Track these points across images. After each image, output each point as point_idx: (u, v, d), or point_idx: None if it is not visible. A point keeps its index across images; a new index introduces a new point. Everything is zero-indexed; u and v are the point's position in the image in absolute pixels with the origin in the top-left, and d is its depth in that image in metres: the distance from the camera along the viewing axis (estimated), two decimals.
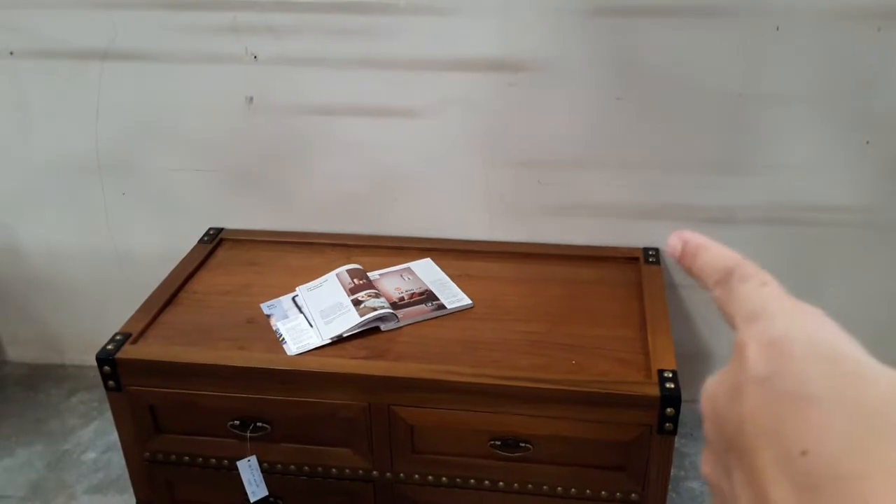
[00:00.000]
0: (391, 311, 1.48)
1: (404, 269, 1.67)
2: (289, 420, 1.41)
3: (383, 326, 1.47)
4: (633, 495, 1.38)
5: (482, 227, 1.78)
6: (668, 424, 1.28)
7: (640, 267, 1.65)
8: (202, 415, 1.43)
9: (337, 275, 1.61)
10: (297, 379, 1.36)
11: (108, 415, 1.86)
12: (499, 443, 1.36)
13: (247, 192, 1.83)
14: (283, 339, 1.44)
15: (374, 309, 1.47)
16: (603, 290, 1.59)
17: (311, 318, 1.49)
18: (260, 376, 1.37)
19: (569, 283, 1.61)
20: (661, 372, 1.31)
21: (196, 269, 1.68)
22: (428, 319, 1.50)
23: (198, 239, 1.81)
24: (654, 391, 1.27)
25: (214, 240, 1.80)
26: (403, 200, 1.78)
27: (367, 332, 1.46)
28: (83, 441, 1.85)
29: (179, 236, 1.85)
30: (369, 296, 1.52)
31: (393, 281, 1.62)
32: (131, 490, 1.65)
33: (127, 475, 1.67)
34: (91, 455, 1.80)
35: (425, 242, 1.77)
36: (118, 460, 1.78)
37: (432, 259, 1.70)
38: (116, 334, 1.44)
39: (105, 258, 1.94)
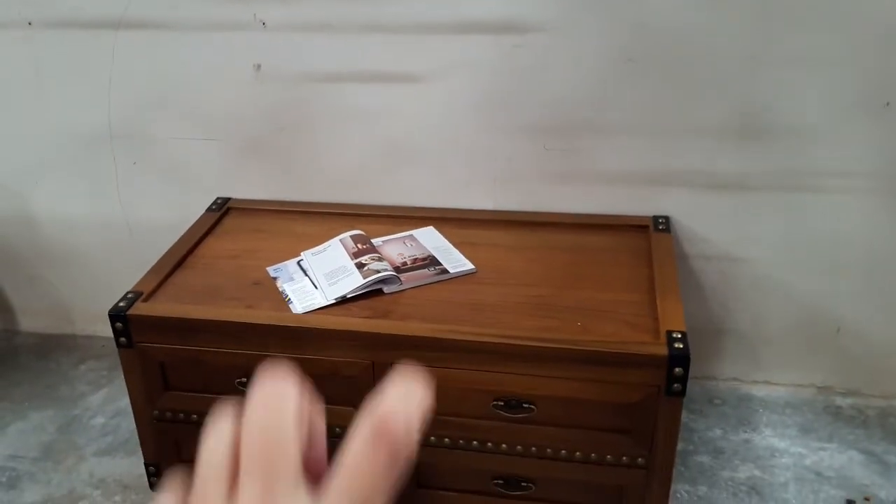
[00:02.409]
0: (394, 273, 1.58)
1: (407, 236, 1.77)
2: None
3: (386, 289, 1.57)
4: (639, 460, 1.46)
5: (487, 195, 1.87)
6: (676, 385, 1.36)
7: (649, 235, 1.73)
8: (210, 372, 1.54)
9: (341, 240, 1.72)
10: (302, 336, 1.47)
11: (117, 382, 2.00)
12: (502, 403, 1.46)
13: (254, 162, 1.94)
14: (289, 299, 1.55)
15: (378, 271, 1.57)
16: (610, 256, 1.67)
17: (316, 280, 1.60)
18: (266, 333, 1.48)
19: (575, 251, 1.70)
20: (669, 333, 1.39)
21: (204, 236, 1.80)
22: (431, 283, 1.60)
23: (205, 208, 1.92)
24: (662, 351, 1.35)
25: (222, 209, 1.92)
26: (408, 169, 1.88)
27: (371, 294, 1.56)
28: (92, 407, 1.97)
29: (188, 206, 1.96)
30: (372, 259, 1.62)
31: (396, 247, 1.72)
32: (139, 452, 1.77)
33: (134, 439, 1.80)
34: (100, 420, 1.93)
35: (429, 212, 1.87)
36: (126, 425, 1.90)
37: (435, 227, 1.81)
38: (128, 293, 1.56)
39: (116, 228, 2.07)
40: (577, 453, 1.48)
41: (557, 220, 1.81)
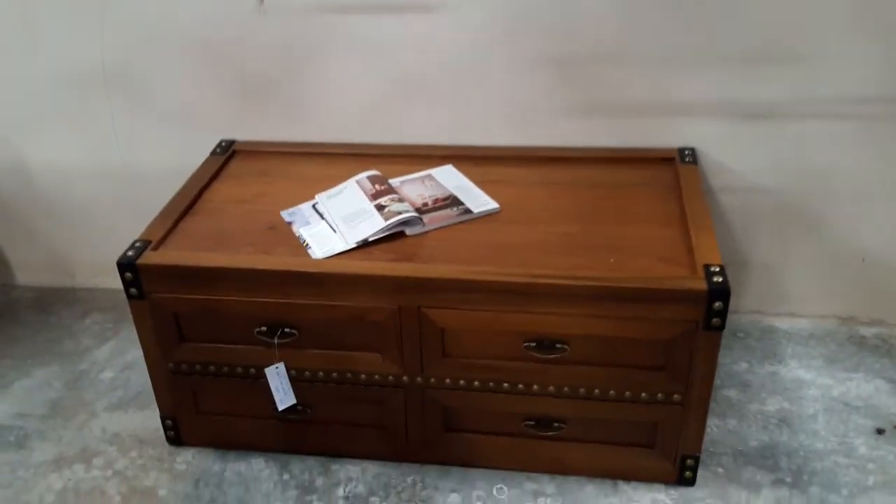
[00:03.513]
0: (416, 215, 1.54)
1: (425, 175, 1.72)
2: (317, 325, 1.48)
3: (409, 231, 1.53)
4: (675, 396, 1.45)
5: (506, 131, 1.82)
6: (715, 320, 1.34)
7: (675, 167, 1.70)
8: (228, 321, 1.51)
9: (357, 181, 1.67)
10: (325, 282, 1.43)
11: (123, 335, 1.96)
12: (533, 344, 1.43)
13: (258, 102, 1.87)
14: (307, 244, 1.51)
15: (399, 213, 1.53)
16: (638, 191, 1.64)
17: (334, 223, 1.55)
18: (286, 280, 1.44)
19: (601, 186, 1.66)
20: (707, 267, 1.36)
21: (210, 181, 1.74)
22: (454, 224, 1.56)
23: (209, 152, 1.86)
24: (701, 285, 1.33)
25: (227, 152, 1.85)
26: (422, 105, 1.82)
27: (393, 237, 1.52)
28: (99, 361, 1.94)
29: (190, 150, 1.89)
30: (392, 200, 1.58)
31: (415, 187, 1.67)
32: (152, 406, 1.75)
33: (146, 392, 1.77)
34: (108, 374, 1.89)
35: (446, 150, 1.82)
36: (136, 378, 1.87)
37: (454, 166, 1.76)
38: (136, 241, 1.50)
39: (114, 176, 2.00)
40: (612, 392, 1.47)
41: (581, 155, 1.77)
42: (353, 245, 1.49)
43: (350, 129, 1.87)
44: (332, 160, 1.81)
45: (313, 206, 1.63)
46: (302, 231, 1.54)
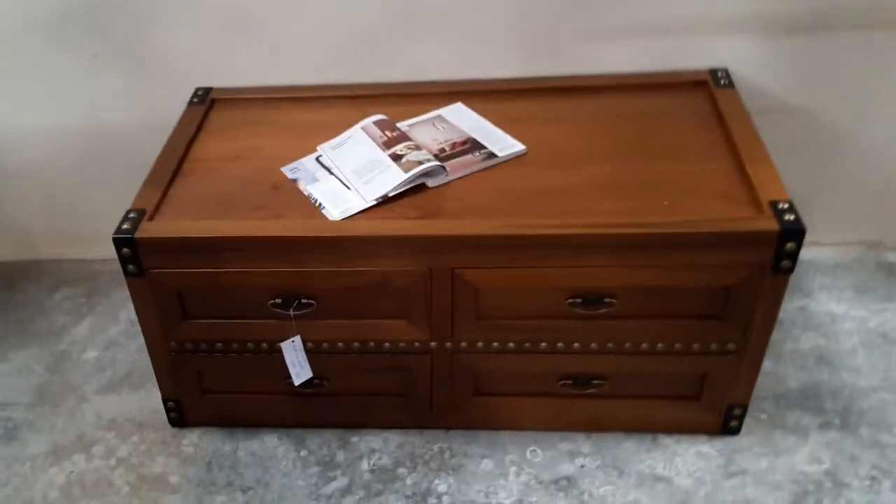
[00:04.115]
0: (439, 163, 1.40)
1: (435, 117, 1.58)
2: (337, 293, 1.36)
3: (430, 182, 1.40)
4: (729, 345, 1.38)
5: (517, 60, 1.67)
6: (785, 262, 1.25)
7: (711, 91, 1.58)
8: (237, 295, 1.37)
9: (363, 128, 1.52)
10: (346, 246, 1.30)
11: (99, 310, 1.80)
12: (579, 300, 1.33)
13: (235, 41, 1.68)
14: (320, 204, 1.36)
15: (420, 162, 1.39)
16: (674, 120, 1.52)
17: (346, 178, 1.41)
18: (302, 247, 1.30)
19: (632, 117, 1.54)
20: (774, 204, 1.27)
21: (194, 136, 1.57)
22: (479, 171, 1.44)
23: (185, 103, 1.67)
24: (772, 225, 1.23)
25: (205, 101, 1.67)
26: (421, 35, 1.65)
27: (413, 189, 1.38)
28: (79, 339, 1.78)
29: (162, 102, 1.71)
30: (409, 148, 1.44)
31: (427, 131, 1.53)
32: (146, 386, 1.62)
33: (137, 371, 1.64)
34: (92, 353, 1.74)
35: (452, 86, 1.67)
36: (123, 357, 1.73)
37: (463, 103, 1.62)
38: (129, 211, 1.34)
39: (75, 134, 1.80)
40: (660, 345, 1.40)
41: (604, 84, 1.64)
42: (373, 202, 1.35)
43: (340, 68, 1.70)
44: (324, 104, 1.65)
45: (317, 158, 1.48)
46: (311, 189, 1.40)
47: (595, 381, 1.45)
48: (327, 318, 1.39)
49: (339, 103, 1.64)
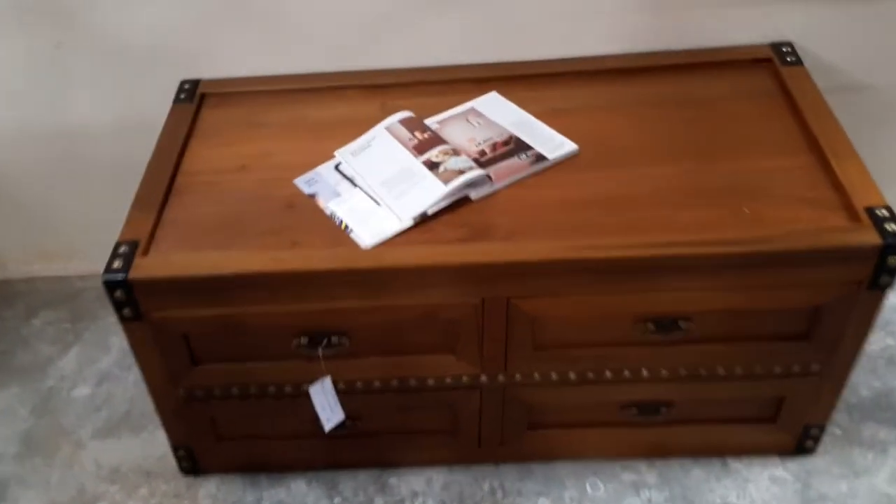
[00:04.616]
0: (483, 172, 1.20)
1: (468, 110, 1.37)
2: (373, 329, 1.17)
3: (473, 194, 1.20)
4: (813, 366, 1.22)
5: (555, 39, 1.46)
6: (885, 278, 1.09)
7: (776, 70, 1.39)
8: (255, 336, 1.18)
9: (387, 128, 1.31)
10: (384, 279, 1.10)
11: (87, 337, 1.60)
12: (651, 325, 1.16)
13: (223, 23, 1.44)
14: (347, 226, 1.16)
15: (461, 171, 1.19)
16: (738, 105, 1.33)
17: (373, 192, 1.21)
18: (330, 281, 1.10)
19: (690, 103, 1.35)
20: (871, 211, 1.09)
21: (186, 141, 1.35)
22: (528, 177, 1.24)
23: (171, 98, 1.44)
24: (873, 238, 1.06)
25: (194, 96, 1.44)
26: (443, 11, 1.43)
27: (453, 203, 1.19)
28: (67, 374, 1.57)
29: (144, 97, 1.50)
30: (445, 154, 1.23)
31: (461, 129, 1.32)
32: (149, 427, 1.44)
33: (137, 409, 1.45)
34: (84, 390, 1.54)
35: (482, 70, 1.46)
36: (119, 393, 1.53)
37: (498, 92, 1.41)
38: (120, 244, 1.13)
39: (43, 135, 1.56)
40: (738, 368, 1.23)
41: (653, 63, 1.44)
42: (410, 223, 1.15)
43: (352, 52, 1.48)
44: (336, 97, 1.43)
45: (336, 167, 1.27)
46: (334, 207, 1.19)
47: (662, 409, 1.29)
48: (361, 357, 1.20)
49: (354, 95, 1.43)
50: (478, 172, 1.19)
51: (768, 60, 1.41)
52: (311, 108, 1.41)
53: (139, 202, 1.21)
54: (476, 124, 1.33)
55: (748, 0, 1.42)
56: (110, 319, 1.62)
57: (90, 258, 1.71)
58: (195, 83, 1.47)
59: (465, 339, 1.18)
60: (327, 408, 1.24)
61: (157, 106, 1.43)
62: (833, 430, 1.41)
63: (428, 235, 1.14)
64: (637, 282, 1.11)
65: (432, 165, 1.21)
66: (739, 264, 1.09)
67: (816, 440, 1.36)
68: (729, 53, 1.44)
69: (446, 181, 1.18)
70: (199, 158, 1.31)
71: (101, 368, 1.56)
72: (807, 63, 1.43)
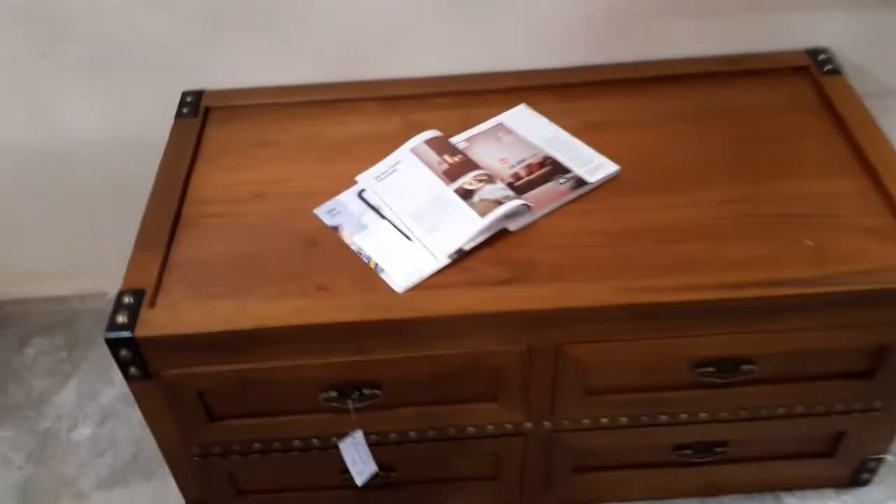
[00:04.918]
0: (522, 201, 1.09)
1: (496, 125, 1.25)
2: (408, 380, 1.06)
3: (512, 225, 1.09)
4: (875, 402, 1.14)
5: (580, 44, 1.34)
6: None
7: (816, 79, 1.28)
8: (278, 391, 1.07)
9: (413, 150, 1.19)
10: (423, 329, 0.99)
11: (85, 366, 1.49)
12: (711, 369, 1.06)
13: (229, 28, 1.31)
14: (377, 265, 1.04)
15: (498, 202, 1.08)
16: (782, 120, 1.23)
17: (403, 225, 1.09)
18: (362, 332, 0.99)
19: (731, 117, 1.24)
20: None
21: (191, 164, 1.22)
22: (568, 203, 1.12)
23: (171, 110, 1.32)
24: None
25: (197, 110, 1.31)
26: (460, 15, 1.30)
27: (490, 236, 1.07)
28: (66, 412, 1.45)
29: (142, 109, 1.37)
30: (479, 180, 1.12)
31: (490, 148, 1.21)
32: (159, 472, 1.33)
33: (145, 452, 1.35)
34: (85, 430, 1.42)
35: (505, 79, 1.34)
36: (124, 431, 1.42)
37: (526, 104, 1.29)
38: (123, 293, 1.01)
39: (34, 154, 1.43)
40: (799, 407, 1.14)
41: (685, 72, 1.33)
42: (447, 261, 1.04)
43: (365, 61, 1.35)
44: (351, 110, 1.31)
45: (359, 194, 1.15)
46: (361, 243, 1.07)
47: (717, 449, 1.19)
48: (395, 407, 1.10)
49: (372, 108, 1.31)
50: (517, 203, 1.08)
51: (806, 69, 1.31)
52: (326, 123, 1.28)
53: (143, 239, 1.08)
54: (508, 143, 1.22)
55: (783, 5, 1.31)
56: None
57: (87, 276, 1.59)
58: (198, 95, 1.34)
59: (510, 386, 1.07)
60: (359, 462, 1.13)
61: (157, 119, 1.32)
62: (888, 459, 1.33)
63: (467, 276, 1.03)
64: (694, 326, 1.02)
65: (466, 194, 1.10)
66: (805, 306, 0.99)
67: (873, 472, 1.28)
68: (764, 61, 1.33)
69: (483, 213, 1.07)
70: (207, 185, 1.18)
71: (103, 404, 1.44)
72: (844, 70, 1.32)
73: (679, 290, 0.99)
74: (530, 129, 1.24)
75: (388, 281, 1.03)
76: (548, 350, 1.03)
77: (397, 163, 1.18)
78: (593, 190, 1.14)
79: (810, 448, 1.24)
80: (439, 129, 1.22)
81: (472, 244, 1.06)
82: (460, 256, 1.05)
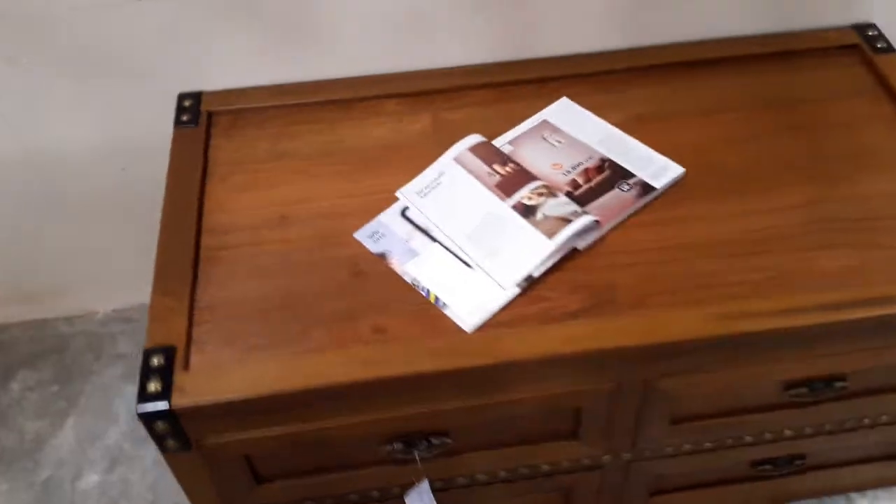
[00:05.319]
0: (593, 218, 0.97)
1: (540, 124, 1.13)
2: (480, 425, 0.95)
3: (581, 243, 0.97)
4: None
5: (615, 26, 1.21)
6: None
7: (869, 59, 1.19)
8: (335, 448, 0.94)
9: (456, 159, 1.05)
10: (496, 375, 0.88)
11: (84, 401, 1.35)
12: (804, 389, 0.97)
13: (227, 18, 1.15)
14: (439, 300, 0.92)
15: (565, 219, 0.96)
16: (842, 108, 1.13)
17: (460, 250, 0.96)
18: (434, 383, 0.87)
19: (785, 105, 1.14)
20: None
21: (202, 183, 1.07)
22: (634, 213, 1.01)
23: (165, 114, 1.16)
24: None
25: (198, 116, 1.15)
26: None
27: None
28: (67, 457, 1.30)
29: (129, 116, 1.21)
30: (538, 194, 0.99)
31: (539, 151, 1.08)
32: None
33: (165, 499, 1.21)
34: (92, 479, 1.27)
35: (541, 67, 1.22)
36: (137, 476, 1.28)
37: (567, 96, 1.16)
38: (150, 353, 0.86)
39: (10, 168, 1.25)
40: (884, 417, 1.07)
41: (727, 54, 1.21)
42: (516, 292, 0.92)
43: (382, 51, 1.20)
44: (373, 110, 1.16)
45: (403, 213, 1.01)
46: (415, 272, 0.94)
47: (797, 462, 1.12)
48: (465, 453, 0.98)
49: (396, 108, 1.17)
50: (587, 219, 0.96)
51: (854, 47, 1.21)
52: (347, 127, 1.14)
53: (161, 283, 0.94)
54: (556, 143, 1.09)
55: None
56: (109, 374, 1.35)
57: (74, 295, 1.43)
58: (196, 97, 1.18)
59: (591, 423, 0.97)
60: None
61: (150, 124, 1.19)
62: None
63: (540, 306, 0.91)
64: (792, 350, 0.92)
65: (526, 210, 0.97)
66: None
67: None
68: (810, 39, 1.24)
69: (550, 233, 0.95)
70: (223, 209, 1.03)
71: (109, 446, 1.30)
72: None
73: (777, 315, 0.88)
74: (578, 127, 1.11)
75: (453, 318, 0.90)
76: (634, 386, 0.92)
77: (440, 175, 1.04)
78: (660, 195, 1.03)
79: (885, 451, 1.17)
80: (474, 129, 1.09)
81: (542, 269, 0.94)
82: (529, 284, 0.93)
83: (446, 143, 1.08)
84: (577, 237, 0.96)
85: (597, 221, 0.97)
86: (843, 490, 1.25)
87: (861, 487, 1.25)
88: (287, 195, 1.05)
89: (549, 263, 0.94)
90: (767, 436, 1.05)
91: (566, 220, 0.96)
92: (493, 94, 1.17)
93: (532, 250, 0.94)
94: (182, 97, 1.18)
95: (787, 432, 1.05)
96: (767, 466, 1.12)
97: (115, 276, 1.42)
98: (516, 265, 0.93)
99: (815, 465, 1.16)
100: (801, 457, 1.12)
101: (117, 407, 1.33)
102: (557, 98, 1.16)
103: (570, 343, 0.87)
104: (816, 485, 1.21)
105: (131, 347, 1.39)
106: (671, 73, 1.19)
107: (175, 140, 1.12)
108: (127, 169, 1.26)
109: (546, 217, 0.96)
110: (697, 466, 1.09)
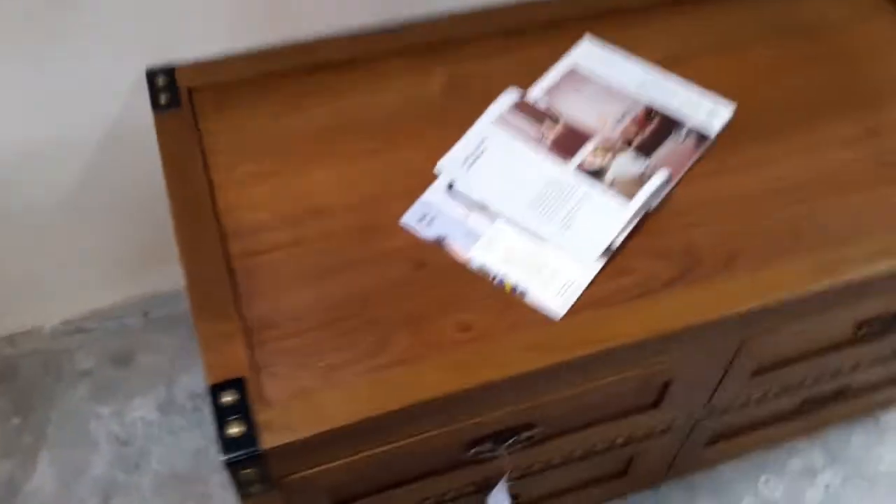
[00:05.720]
0: (667, 172, 0.89)
1: (568, 71, 1.03)
2: (569, 413, 0.88)
3: (654, 203, 0.90)
4: None
5: None
6: None
7: None
8: (419, 459, 0.85)
9: (497, 122, 0.95)
10: (596, 362, 0.80)
11: (53, 432, 1.21)
12: (867, 329, 0.96)
13: None
14: (516, 288, 0.83)
15: (639, 181, 0.88)
16: (862, 31, 1.09)
17: (523, 223, 0.87)
18: (532, 381, 0.79)
19: (806, 34, 1.09)
20: None
21: (208, 179, 0.91)
22: (694, 164, 0.95)
23: (127, 95, 0.99)
24: None
25: (177, 98, 0.98)
26: None
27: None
28: (50, 499, 1.12)
29: (92, 100, 1.02)
30: (602, 153, 0.91)
31: (577, 103, 0.99)
32: None
33: None
34: None
35: (556, 6, 1.10)
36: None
37: (591, 37, 1.07)
38: (217, 390, 0.73)
39: None
40: None
41: None
42: (599, 266, 0.84)
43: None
44: (376, 70, 1.03)
45: (449, 189, 0.90)
46: (482, 258, 0.85)
47: (842, 394, 1.13)
48: (547, 441, 0.92)
49: (401, 64, 1.03)
50: (663, 175, 0.89)
51: None
52: (352, 93, 1.00)
53: (201, 307, 0.79)
54: (595, 93, 1.00)
55: None
56: (75, 395, 1.18)
57: (16, 313, 1.23)
58: (169, 73, 1.00)
59: (676, 393, 0.92)
60: (500, 502, 0.95)
61: (111, 108, 1.00)
62: None
63: (629, 279, 0.84)
64: (876, 292, 0.90)
65: (593, 172, 0.89)
66: None
67: None
68: None
69: (628, 195, 0.87)
70: (241, 206, 0.89)
71: (97, 477, 1.14)
72: None
73: (871, 258, 0.85)
74: (613, 72, 1.03)
75: (537, 306, 0.81)
76: (731, 347, 0.88)
77: (482, 140, 0.94)
78: (715, 142, 0.97)
79: None
80: (496, 82, 0.99)
81: (622, 237, 0.86)
82: (611, 256, 0.85)
83: (471, 102, 0.97)
84: (652, 197, 0.89)
85: (669, 174, 0.90)
86: (869, 411, 1.27)
87: (886, 405, 1.27)
88: (309, 182, 0.91)
89: (629, 229, 0.86)
90: (828, 375, 1.04)
91: (638, 179, 0.88)
92: (506, 41, 1.06)
93: (610, 216, 0.86)
94: (151, 74, 1.00)
95: (847, 368, 1.04)
96: (816, 402, 1.11)
97: (58, 285, 1.22)
98: (595, 236, 0.85)
99: (855, 394, 1.17)
100: (847, 388, 1.12)
101: (95, 432, 1.17)
102: (578, 40, 1.06)
103: (674, 318, 0.80)
104: (846, 410, 1.23)
105: (94, 362, 1.22)
106: (686, 8, 1.12)
107: (160, 129, 0.95)
108: (72, 163, 1.08)
109: (617, 179, 0.88)
110: (756, 413, 1.07)
